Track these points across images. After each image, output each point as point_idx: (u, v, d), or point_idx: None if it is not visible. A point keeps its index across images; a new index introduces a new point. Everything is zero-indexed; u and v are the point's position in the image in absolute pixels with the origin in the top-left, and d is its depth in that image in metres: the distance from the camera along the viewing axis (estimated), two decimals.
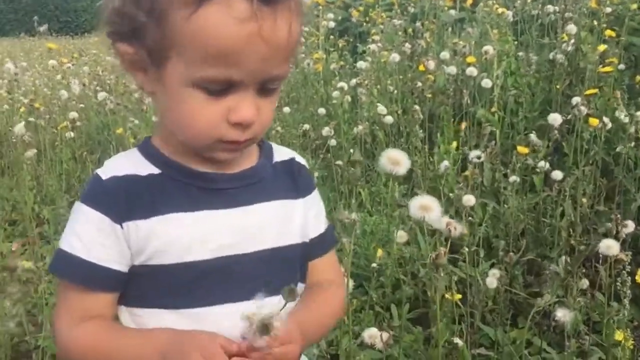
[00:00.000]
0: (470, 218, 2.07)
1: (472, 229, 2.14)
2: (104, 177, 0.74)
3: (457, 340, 1.44)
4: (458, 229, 0.90)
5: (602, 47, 2.69)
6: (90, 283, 0.73)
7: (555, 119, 2.10)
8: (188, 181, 0.75)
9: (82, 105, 4.08)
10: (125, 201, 0.72)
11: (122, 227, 0.72)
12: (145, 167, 0.75)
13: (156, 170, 0.75)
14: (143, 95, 3.22)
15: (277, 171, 0.81)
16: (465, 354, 1.58)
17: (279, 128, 3.31)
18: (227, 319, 0.71)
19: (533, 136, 2.16)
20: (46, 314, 1.98)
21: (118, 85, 4.10)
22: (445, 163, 2.08)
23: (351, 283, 2.32)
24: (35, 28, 5.19)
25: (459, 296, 1.70)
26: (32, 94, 5.01)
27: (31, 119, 3.77)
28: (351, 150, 2.98)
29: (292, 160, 0.84)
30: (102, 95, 3.27)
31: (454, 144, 2.44)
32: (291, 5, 0.68)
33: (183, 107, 0.70)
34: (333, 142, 2.97)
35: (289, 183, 0.82)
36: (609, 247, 1.33)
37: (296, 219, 0.81)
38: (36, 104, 3.51)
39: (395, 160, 0.83)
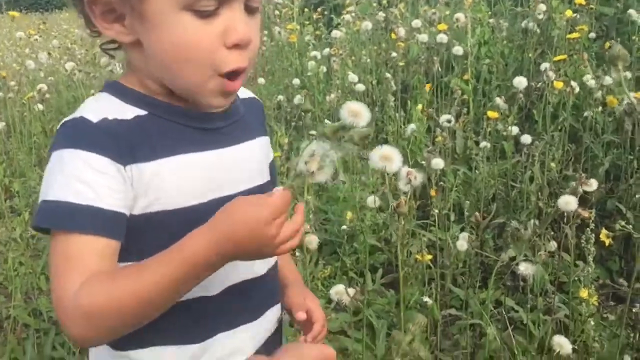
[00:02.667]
0: (441, 183, 2.10)
1: (444, 195, 2.16)
2: (94, 120, 0.67)
3: (426, 299, 1.46)
4: (418, 178, 0.90)
5: (569, 13, 2.70)
6: (106, 232, 0.64)
7: (520, 82, 2.12)
8: (181, 121, 0.71)
9: (51, 78, 4.00)
10: (125, 143, 0.67)
11: (125, 169, 0.66)
12: (128, 110, 0.70)
13: (142, 112, 0.70)
14: (114, 64, 3.16)
15: (247, 108, 0.81)
16: (435, 313, 1.61)
17: None
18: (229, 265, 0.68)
19: (499, 99, 2.17)
20: (16, 284, 1.97)
21: (88, 56, 4.02)
22: (412, 126, 2.09)
23: (326, 250, 2.36)
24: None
25: (430, 257, 1.72)
26: (1, 68, 4.91)
27: (0, 93, 3.70)
28: (326, 120, 2.98)
29: (254, 98, 0.84)
30: (70, 65, 3.20)
31: (419, 106, 2.45)
32: None
33: (177, 36, 0.66)
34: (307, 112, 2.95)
35: (260, 120, 0.83)
36: (568, 202, 1.35)
37: (270, 156, 0.83)
38: (2, 73, 3.43)
39: (355, 112, 0.83)
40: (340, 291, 1.16)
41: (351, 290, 1.12)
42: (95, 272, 0.62)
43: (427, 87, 2.53)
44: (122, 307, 0.61)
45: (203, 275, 0.64)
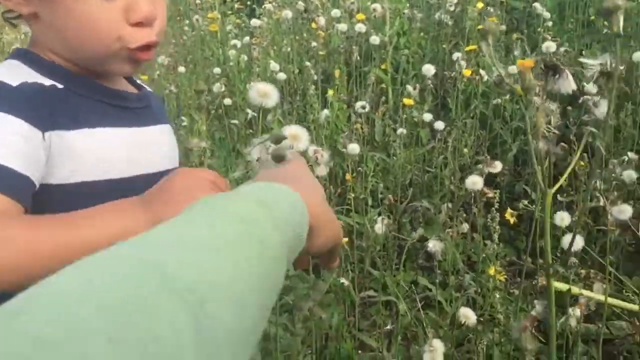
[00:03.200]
0: (359, 169, 2.15)
1: (362, 180, 2.22)
2: (13, 84, 0.65)
3: (343, 280, 1.50)
4: (325, 156, 0.93)
5: (480, 4, 2.82)
6: (13, 192, 0.60)
7: (428, 69, 2.21)
8: (99, 97, 0.71)
9: None
10: (46, 109, 0.65)
11: (43, 136, 0.64)
12: (43, 79, 0.68)
13: (59, 85, 0.69)
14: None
15: (151, 98, 0.82)
16: (352, 294, 1.66)
17: (173, 88, 3.24)
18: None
19: (409, 87, 2.25)
20: None
21: None
22: (326, 112, 2.13)
23: None
24: None
25: (346, 239, 1.76)
26: None
27: None
28: (247, 110, 2.97)
29: (154, 92, 0.87)
30: None
31: (330, 91, 2.50)
32: None
33: (80, 12, 0.65)
34: (228, 101, 2.95)
35: (163, 111, 0.86)
36: (474, 182, 1.43)
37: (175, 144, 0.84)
38: None
39: (264, 93, 0.85)
40: None
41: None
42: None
43: (337, 73, 2.58)
44: (39, 256, 0.55)
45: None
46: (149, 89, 0.85)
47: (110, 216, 0.59)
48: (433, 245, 1.31)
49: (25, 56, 0.71)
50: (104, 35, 0.67)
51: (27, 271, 0.54)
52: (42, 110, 0.65)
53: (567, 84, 0.70)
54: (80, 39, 0.67)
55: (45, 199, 0.65)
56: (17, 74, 0.67)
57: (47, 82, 0.68)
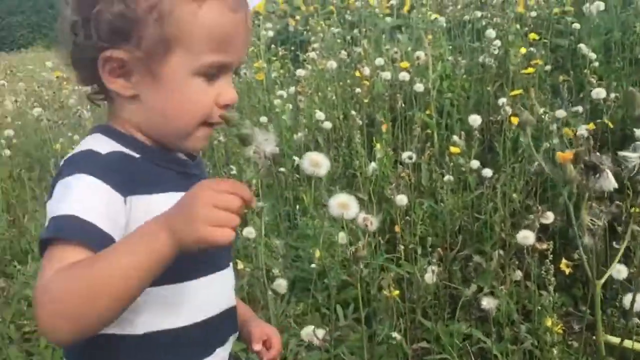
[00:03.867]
0: (407, 217, 2.15)
1: (410, 228, 2.22)
2: (102, 152, 0.76)
3: (395, 334, 1.49)
4: (374, 223, 0.96)
5: (523, 50, 2.82)
6: (99, 247, 0.68)
7: (474, 120, 2.21)
8: (167, 165, 0.81)
9: (19, 122, 3.99)
10: (128, 175, 0.75)
11: (125, 200, 0.73)
12: (122, 149, 0.79)
13: (135, 154, 0.79)
14: (81, 110, 3.18)
15: (202, 164, 0.93)
16: (404, 348, 1.64)
17: (221, 138, 3.32)
18: (212, 287, 0.82)
19: (456, 137, 2.26)
20: None
21: (55, 100, 4.02)
22: (373, 165, 2.15)
23: (298, 287, 2.38)
24: None
25: (397, 292, 1.76)
26: None
27: None
28: (294, 158, 3.02)
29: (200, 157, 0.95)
30: (37, 111, 3.21)
31: (377, 145, 2.52)
32: None
33: (184, 96, 0.77)
34: (276, 149, 3.00)
35: (205, 174, 0.94)
36: (525, 237, 1.42)
37: None
38: None
39: (315, 162, 0.88)
40: (309, 333, 1.18)
41: (320, 332, 1.15)
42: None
43: (384, 127, 2.61)
44: (84, 289, 0.64)
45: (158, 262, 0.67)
46: (199, 156, 0.93)
47: (141, 242, 0.67)
48: (487, 302, 1.29)
49: (106, 130, 0.81)
50: (200, 112, 0.79)
51: (79, 301, 0.64)
52: (125, 176, 0.75)
53: (608, 183, 0.72)
54: (179, 116, 0.79)
55: None
56: (102, 143, 0.78)
57: (126, 151, 0.79)
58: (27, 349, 2.03)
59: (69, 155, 0.77)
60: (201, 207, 0.66)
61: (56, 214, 0.70)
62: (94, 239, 0.68)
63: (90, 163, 0.74)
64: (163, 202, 0.73)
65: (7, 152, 3.25)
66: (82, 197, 0.71)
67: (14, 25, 20.44)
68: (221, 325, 0.85)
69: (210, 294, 0.83)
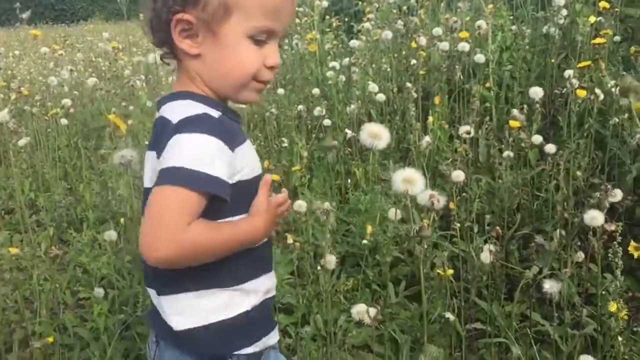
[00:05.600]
0: (464, 194, 2.06)
1: (466, 205, 2.13)
2: (216, 116, 0.93)
3: (448, 314, 1.43)
4: (441, 201, 0.89)
5: (592, 18, 2.65)
6: (224, 194, 0.89)
7: (536, 92, 2.09)
8: (236, 119, 1.00)
9: (76, 92, 4.06)
10: (232, 133, 0.93)
11: (233, 152, 0.92)
12: (210, 110, 0.94)
13: (219, 113, 0.95)
14: (134, 80, 3.19)
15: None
16: (457, 328, 1.58)
17: (273, 110, 3.29)
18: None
19: (515, 111, 2.14)
20: (42, 299, 1.99)
21: (110, 70, 4.06)
22: (427, 139, 2.07)
23: (348, 262, 2.34)
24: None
25: (451, 271, 1.69)
26: (28, 82, 4.99)
27: (26, 107, 3.76)
28: (346, 130, 2.96)
29: None
30: (92, 80, 3.24)
31: (430, 119, 2.43)
32: None
33: (237, 54, 0.93)
34: (327, 122, 2.95)
35: None
36: (594, 217, 1.33)
37: None
38: (24, 92, 3.49)
39: (375, 134, 0.83)
40: (361, 311, 1.14)
41: (372, 310, 1.10)
42: (192, 220, 0.87)
43: (437, 99, 2.51)
44: (207, 248, 0.90)
45: (246, 244, 0.96)
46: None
47: (246, 234, 0.96)
48: (550, 286, 1.22)
49: (193, 96, 0.96)
50: (249, 71, 0.95)
51: (203, 252, 0.90)
52: (231, 134, 0.92)
53: None
54: (234, 71, 0.95)
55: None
56: (208, 108, 0.93)
57: (214, 112, 0.93)
58: (81, 314, 2.07)
59: (188, 114, 0.91)
60: (274, 218, 1.02)
61: (180, 164, 0.86)
62: (213, 187, 0.88)
63: (210, 126, 0.90)
64: (247, 149, 0.96)
65: (65, 121, 3.31)
66: (203, 152, 0.88)
67: None
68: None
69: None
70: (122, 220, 2.21)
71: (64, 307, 2.11)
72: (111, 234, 1.91)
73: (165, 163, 0.88)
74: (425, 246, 1.00)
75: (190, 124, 0.90)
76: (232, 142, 0.92)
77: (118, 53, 4.01)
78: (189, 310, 0.96)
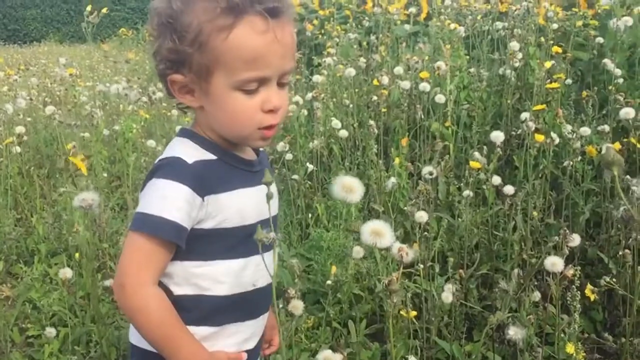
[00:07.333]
0: (425, 233, 2.09)
1: (427, 244, 2.15)
2: (189, 161, 0.95)
3: (411, 358, 1.44)
4: (410, 254, 0.90)
5: (548, 64, 2.76)
6: (176, 239, 0.93)
7: (497, 136, 2.15)
8: (237, 165, 1.01)
9: (29, 118, 3.95)
10: (207, 180, 0.95)
11: (203, 200, 0.94)
12: (205, 154, 0.98)
13: (213, 157, 0.99)
14: (93, 111, 3.13)
15: (265, 159, 1.10)
16: None
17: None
18: (260, 263, 0.98)
19: (477, 154, 2.20)
20: None
21: (67, 97, 3.98)
22: (393, 180, 2.10)
23: (309, 299, 2.32)
24: None
25: (414, 313, 1.70)
26: None
27: None
28: (307, 164, 2.97)
29: (264, 151, 1.12)
30: (50, 109, 3.16)
31: (397, 160, 2.47)
32: (289, 15, 0.96)
33: (229, 108, 0.95)
34: (289, 156, 2.95)
35: (269, 167, 1.10)
36: (554, 264, 1.36)
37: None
38: None
39: (349, 188, 0.83)
40: (327, 357, 1.13)
41: (337, 357, 1.10)
42: (157, 276, 0.95)
43: (403, 141, 2.56)
44: (150, 322, 0.94)
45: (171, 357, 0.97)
46: (264, 151, 1.11)
47: (181, 350, 0.95)
48: (514, 332, 1.23)
49: (192, 135, 1.01)
50: (246, 123, 0.96)
51: (144, 325, 0.94)
52: (204, 181, 0.95)
53: None
54: (232, 123, 0.97)
55: (200, 235, 0.96)
56: (190, 151, 0.97)
57: (207, 155, 0.98)
58: (30, 354, 1.99)
59: (163, 156, 0.97)
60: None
61: (145, 210, 0.93)
62: (171, 233, 0.92)
63: (180, 171, 0.94)
64: (234, 197, 0.97)
65: (18, 148, 3.21)
66: (169, 199, 0.92)
67: (28, 18, 20.49)
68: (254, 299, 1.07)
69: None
70: (77, 255, 2.14)
71: (11, 346, 2.02)
72: (66, 272, 1.85)
73: (137, 206, 0.95)
74: (395, 300, 1.00)
75: (161, 169, 0.96)
76: (204, 188, 0.94)
77: (76, 79, 3.94)
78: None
